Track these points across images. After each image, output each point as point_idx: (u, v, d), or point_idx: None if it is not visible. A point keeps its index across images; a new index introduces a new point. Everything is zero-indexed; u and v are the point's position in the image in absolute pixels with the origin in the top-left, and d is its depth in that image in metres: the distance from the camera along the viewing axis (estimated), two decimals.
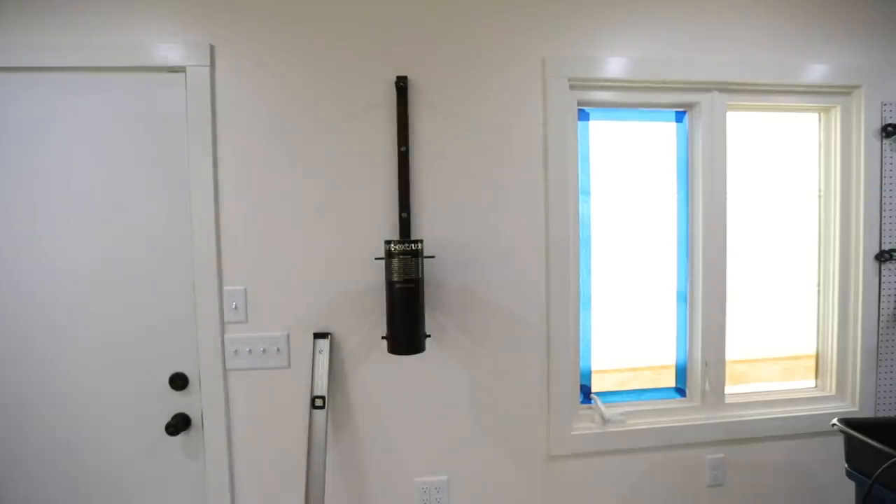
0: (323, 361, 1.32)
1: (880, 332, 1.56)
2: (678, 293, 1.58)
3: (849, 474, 1.16)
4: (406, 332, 1.23)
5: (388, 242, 1.22)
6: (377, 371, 1.38)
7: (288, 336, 1.34)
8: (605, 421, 1.47)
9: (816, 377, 1.65)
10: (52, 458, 1.32)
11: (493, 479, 1.44)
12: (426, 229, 1.37)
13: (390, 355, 1.28)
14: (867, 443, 1.09)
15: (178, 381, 1.32)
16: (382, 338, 1.29)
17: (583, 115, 1.49)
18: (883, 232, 1.54)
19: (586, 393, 1.54)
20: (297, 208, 1.34)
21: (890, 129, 1.51)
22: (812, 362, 1.66)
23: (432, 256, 1.35)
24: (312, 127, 1.33)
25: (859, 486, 1.14)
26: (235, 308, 1.32)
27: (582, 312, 1.50)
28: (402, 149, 1.31)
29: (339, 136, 1.34)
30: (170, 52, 1.28)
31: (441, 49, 1.36)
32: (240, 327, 1.33)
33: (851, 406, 1.58)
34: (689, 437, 1.50)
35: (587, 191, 1.51)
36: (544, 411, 1.44)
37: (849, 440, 1.16)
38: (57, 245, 1.29)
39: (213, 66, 1.30)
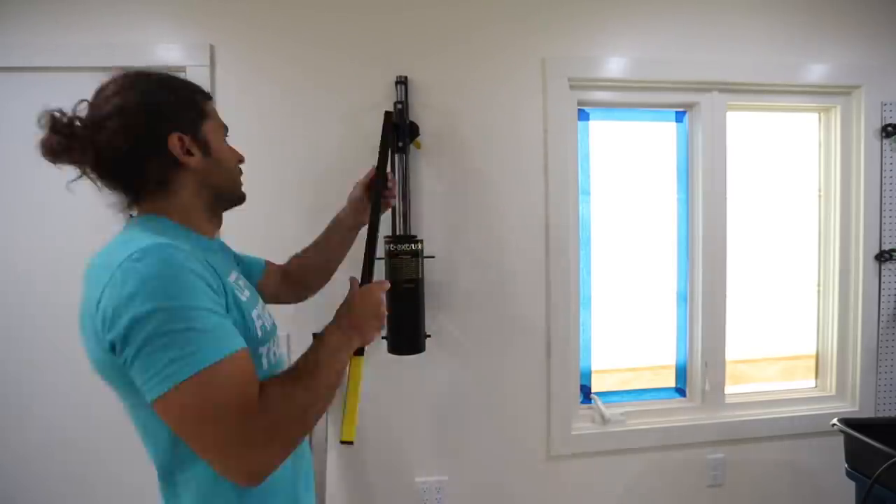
0: None
1: (880, 332, 1.56)
2: (678, 293, 1.58)
3: (849, 474, 1.16)
4: (406, 332, 1.22)
5: (388, 242, 1.22)
6: (377, 371, 1.38)
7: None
8: (605, 421, 1.47)
9: (816, 377, 1.65)
10: (55, 457, 1.32)
11: (493, 479, 1.44)
12: (426, 229, 1.37)
13: (390, 355, 1.28)
14: (867, 443, 1.08)
15: None
16: (382, 337, 1.28)
17: (583, 115, 1.49)
18: (883, 232, 1.54)
19: (586, 393, 1.54)
20: (298, 208, 1.33)
21: (890, 129, 1.51)
22: (812, 362, 1.66)
23: (432, 256, 1.35)
24: (312, 126, 1.33)
25: (859, 486, 1.14)
26: None
27: (582, 312, 1.50)
28: (401, 147, 1.30)
29: (339, 136, 1.34)
30: (170, 52, 1.28)
31: (441, 49, 1.36)
32: None
33: (851, 406, 1.58)
34: (689, 437, 1.50)
35: (587, 191, 1.51)
36: (544, 411, 1.44)
37: (849, 440, 1.16)
38: (59, 245, 1.29)
39: (212, 66, 1.30)
